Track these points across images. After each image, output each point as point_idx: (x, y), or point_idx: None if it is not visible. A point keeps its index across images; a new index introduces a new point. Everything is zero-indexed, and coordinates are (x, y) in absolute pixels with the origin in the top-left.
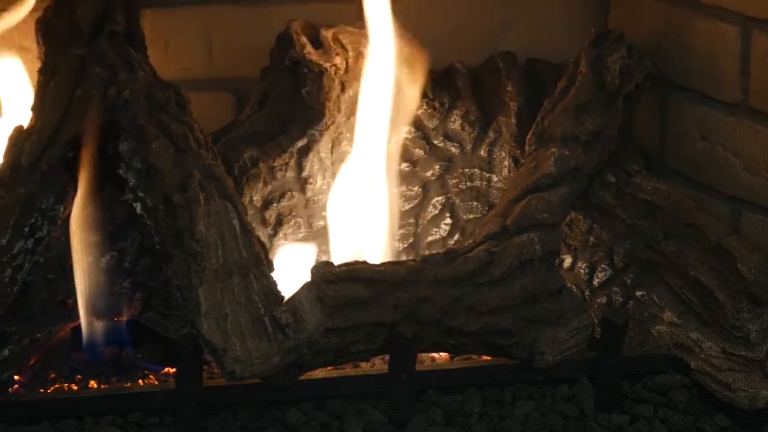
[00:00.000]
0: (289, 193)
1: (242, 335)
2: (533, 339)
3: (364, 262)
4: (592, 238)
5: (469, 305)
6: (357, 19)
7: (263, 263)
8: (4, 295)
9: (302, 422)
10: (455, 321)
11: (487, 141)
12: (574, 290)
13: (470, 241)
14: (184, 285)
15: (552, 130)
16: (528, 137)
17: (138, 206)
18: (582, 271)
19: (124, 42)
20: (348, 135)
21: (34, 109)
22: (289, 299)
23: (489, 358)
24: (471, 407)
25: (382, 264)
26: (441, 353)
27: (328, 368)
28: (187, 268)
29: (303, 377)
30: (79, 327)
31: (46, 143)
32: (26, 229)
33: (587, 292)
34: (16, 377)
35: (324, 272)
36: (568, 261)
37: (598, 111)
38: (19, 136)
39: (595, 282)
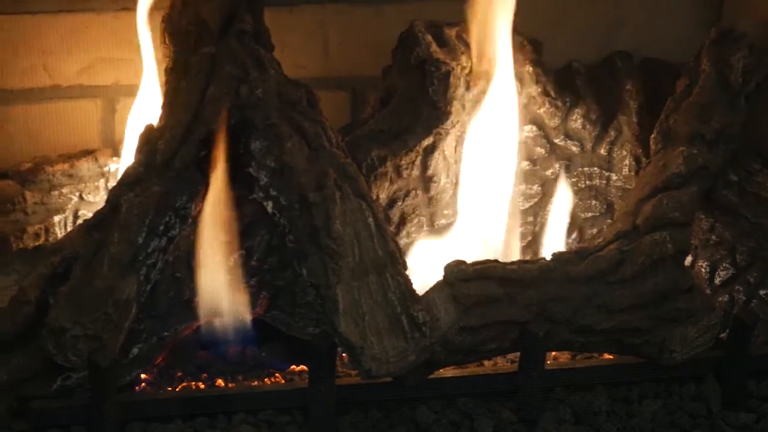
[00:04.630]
0: (414, 191)
1: (379, 334)
2: (663, 337)
3: (496, 261)
4: (713, 237)
5: (600, 304)
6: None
7: (398, 262)
8: (140, 294)
9: (432, 420)
10: (586, 319)
11: (608, 140)
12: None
13: (600, 240)
14: (322, 284)
15: (678, 129)
16: (653, 136)
17: (269, 205)
18: (703, 269)
19: (252, 41)
20: (471, 134)
21: (165, 107)
22: (422, 297)
23: (611, 356)
24: (599, 405)
25: (514, 262)
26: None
27: (452, 366)
28: (324, 266)
29: (432, 375)
30: (204, 325)
31: (179, 141)
32: (161, 228)
33: (708, 291)
34: (142, 375)
35: (458, 271)
36: (688, 260)
37: (722, 110)
38: (152, 135)
39: (717, 281)
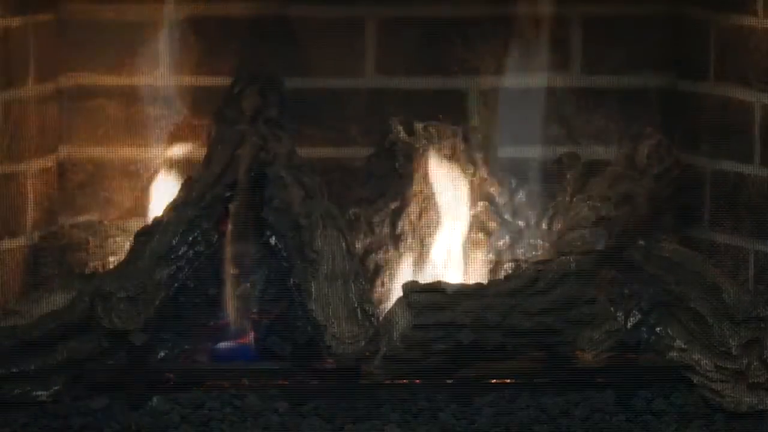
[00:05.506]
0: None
1: (339, 319)
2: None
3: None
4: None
5: None
6: None
7: (360, 275)
8: (168, 283)
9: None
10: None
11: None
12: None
13: None
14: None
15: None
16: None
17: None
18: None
19: (275, 125)
20: (433, 205)
21: (205, 158)
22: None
23: None
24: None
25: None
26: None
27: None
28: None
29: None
30: (226, 325)
31: (210, 184)
32: (190, 239)
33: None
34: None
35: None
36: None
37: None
38: (188, 181)
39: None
